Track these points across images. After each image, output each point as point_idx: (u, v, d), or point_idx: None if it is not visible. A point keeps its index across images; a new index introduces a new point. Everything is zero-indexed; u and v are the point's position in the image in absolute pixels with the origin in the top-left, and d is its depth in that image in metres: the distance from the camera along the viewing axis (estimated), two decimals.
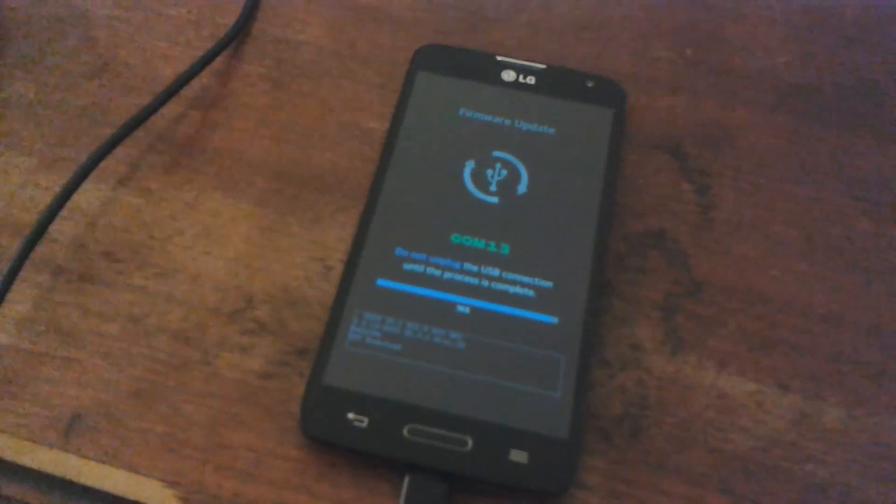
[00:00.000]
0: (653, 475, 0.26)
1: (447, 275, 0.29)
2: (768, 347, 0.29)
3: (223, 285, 0.29)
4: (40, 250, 0.30)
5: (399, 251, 0.29)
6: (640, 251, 0.31)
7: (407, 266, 0.29)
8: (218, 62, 0.35)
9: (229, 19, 0.36)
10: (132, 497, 0.25)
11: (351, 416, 0.26)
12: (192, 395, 0.27)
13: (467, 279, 0.28)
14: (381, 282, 0.28)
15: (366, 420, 0.26)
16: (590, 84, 0.33)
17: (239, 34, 0.35)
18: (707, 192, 0.32)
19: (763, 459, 0.27)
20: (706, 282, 0.30)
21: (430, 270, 0.29)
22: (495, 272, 0.29)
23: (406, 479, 0.25)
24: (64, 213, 0.30)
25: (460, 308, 0.28)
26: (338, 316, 0.28)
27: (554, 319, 0.28)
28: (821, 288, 0.30)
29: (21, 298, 0.29)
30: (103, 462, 0.26)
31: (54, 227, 0.30)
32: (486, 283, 0.28)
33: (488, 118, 0.32)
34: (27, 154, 0.32)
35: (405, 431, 0.26)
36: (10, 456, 0.26)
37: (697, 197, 0.32)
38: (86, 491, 0.26)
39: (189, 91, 0.34)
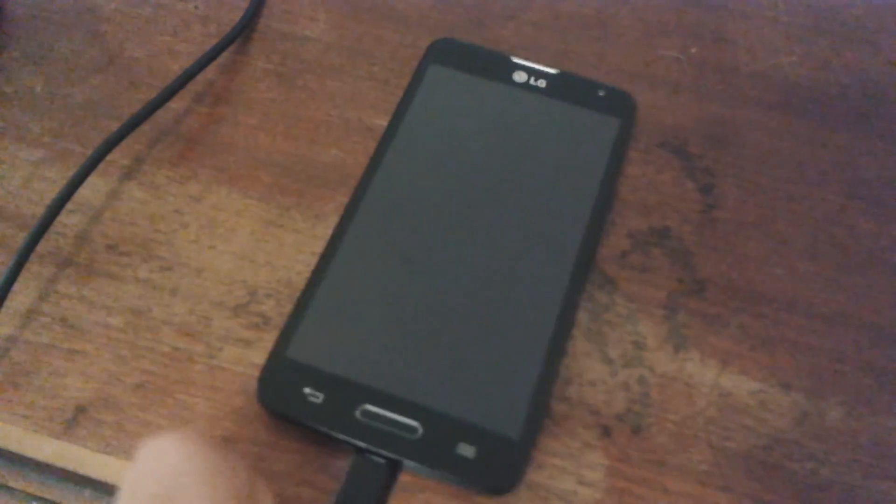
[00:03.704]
0: (654, 472, 0.26)
1: (423, 261, 0.29)
2: (771, 346, 0.29)
3: (227, 279, 0.29)
4: (46, 243, 0.30)
5: (380, 238, 0.29)
6: (643, 249, 0.31)
7: (384, 251, 0.29)
8: (224, 57, 0.35)
9: (236, 15, 0.36)
10: None
11: (307, 390, 0.26)
12: (195, 388, 0.27)
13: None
14: (357, 265, 0.28)
15: (321, 396, 0.26)
16: (601, 93, 0.33)
17: (245, 29, 0.35)
18: (711, 190, 0.32)
19: (765, 458, 0.27)
20: (709, 280, 0.30)
21: (409, 255, 0.29)
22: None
23: (351, 459, 0.25)
24: (70, 206, 0.31)
25: (431, 295, 0.28)
26: (311, 292, 0.28)
27: (525, 318, 0.28)
28: (823, 287, 0.30)
29: (27, 291, 0.29)
30: (107, 454, 0.26)
31: (60, 220, 0.30)
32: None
33: (494, 116, 0.32)
34: (34, 147, 0.32)
35: (358, 412, 0.26)
36: (14, 447, 0.26)
37: (701, 195, 0.32)
38: (89, 482, 0.26)
39: (195, 86, 0.34)
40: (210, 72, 0.35)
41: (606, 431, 0.27)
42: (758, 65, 0.36)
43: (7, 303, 0.28)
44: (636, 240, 0.31)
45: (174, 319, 0.28)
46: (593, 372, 0.28)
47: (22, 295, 0.29)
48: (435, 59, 0.34)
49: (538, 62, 0.34)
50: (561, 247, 0.29)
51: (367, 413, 0.26)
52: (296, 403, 0.26)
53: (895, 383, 0.28)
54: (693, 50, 0.36)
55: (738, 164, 0.33)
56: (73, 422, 0.26)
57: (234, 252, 0.30)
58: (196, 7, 0.37)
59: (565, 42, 0.36)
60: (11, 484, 0.26)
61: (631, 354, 0.28)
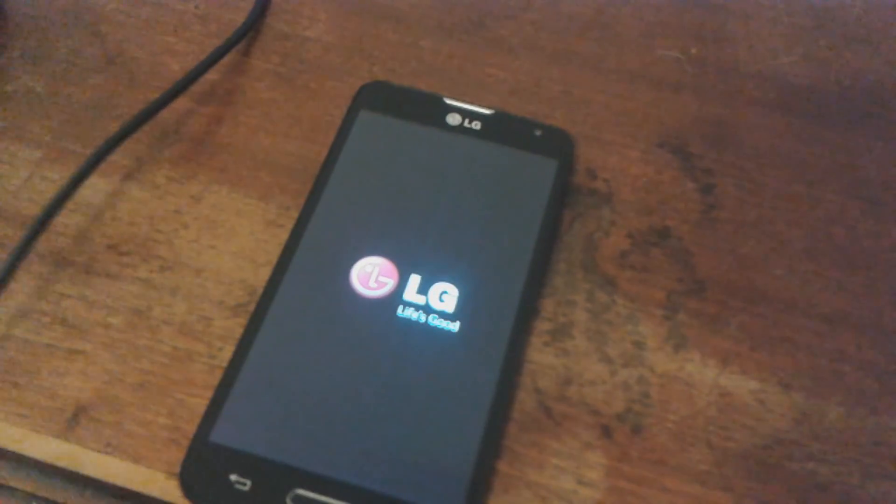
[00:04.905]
0: (654, 472, 0.26)
1: (356, 325, 0.27)
2: (770, 346, 0.29)
3: (228, 279, 0.29)
4: (47, 243, 0.30)
5: (309, 305, 0.28)
6: (643, 249, 0.31)
7: (314, 319, 0.27)
8: (225, 57, 0.35)
9: (236, 15, 0.36)
10: (135, 488, 0.25)
11: (233, 478, 0.24)
12: (196, 387, 0.27)
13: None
14: (285, 335, 0.27)
15: (248, 483, 0.24)
16: (538, 133, 0.32)
17: (250, 31, 0.35)
18: (711, 190, 0.32)
19: (765, 458, 0.27)
20: (709, 280, 0.30)
21: (340, 321, 0.27)
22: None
23: None
24: (70, 205, 0.31)
25: (365, 364, 0.27)
26: (234, 370, 0.26)
27: (464, 383, 0.26)
28: (823, 287, 0.30)
29: (27, 290, 0.29)
30: (107, 453, 0.26)
31: (61, 220, 0.30)
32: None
33: (428, 163, 0.31)
34: (35, 147, 0.32)
35: (288, 499, 0.24)
36: (14, 446, 0.26)
37: (701, 195, 0.32)
38: (89, 482, 0.26)
39: (196, 86, 0.34)
40: (210, 72, 0.34)
41: (606, 431, 0.27)
42: (758, 65, 0.36)
43: (7, 302, 0.28)
44: (636, 240, 0.31)
45: (174, 319, 0.28)
46: (593, 372, 0.28)
47: (22, 294, 0.29)
48: (364, 104, 0.32)
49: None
50: (501, 304, 0.28)
51: (299, 499, 0.24)
52: (222, 494, 0.24)
53: (895, 383, 0.28)
54: (693, 50, 0.36)
55: (738, 164, 0.33)
56: (73, 422, 0.26)
57: (234, 252, 0.30)
58: (196, 7, 0.37)
59: (565, 42, 0.36)
60: (11, 484, 0.26)
61: (631, 354, 0.28)
